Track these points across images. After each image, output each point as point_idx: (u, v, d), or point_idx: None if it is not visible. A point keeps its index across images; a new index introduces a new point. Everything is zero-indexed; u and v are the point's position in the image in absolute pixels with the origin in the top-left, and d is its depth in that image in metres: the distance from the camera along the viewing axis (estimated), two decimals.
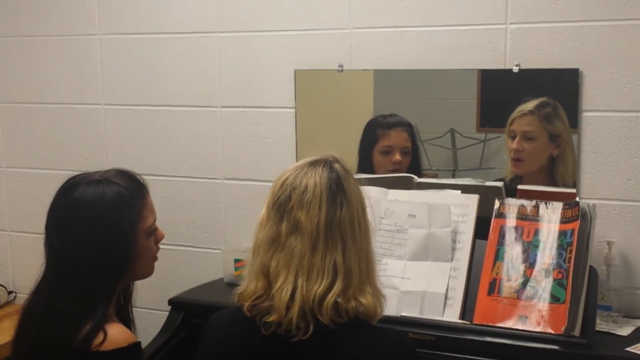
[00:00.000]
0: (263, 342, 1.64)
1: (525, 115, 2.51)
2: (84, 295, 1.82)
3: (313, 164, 1.70)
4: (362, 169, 2.72)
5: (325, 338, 1.61)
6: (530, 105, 2.51)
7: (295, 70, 2.82)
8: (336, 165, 1.70)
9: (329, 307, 1.60)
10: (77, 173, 1.96)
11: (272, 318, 1.62)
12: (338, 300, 1.62)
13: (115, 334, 1.81)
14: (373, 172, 2.71)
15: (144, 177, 1.99)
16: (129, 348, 1.82)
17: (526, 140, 2.53)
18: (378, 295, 1.70)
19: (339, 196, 1.66)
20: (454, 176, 2.69)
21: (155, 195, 2.00)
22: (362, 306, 1.64)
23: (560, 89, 2.48)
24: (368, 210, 1.74)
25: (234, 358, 1.69)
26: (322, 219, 1.63)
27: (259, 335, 1.64)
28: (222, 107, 2.96)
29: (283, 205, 1.67)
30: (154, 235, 1.97)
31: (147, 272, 1.99)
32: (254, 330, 1.64)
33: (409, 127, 2.73)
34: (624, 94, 2.40)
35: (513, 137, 2.55)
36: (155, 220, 1.97)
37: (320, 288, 1.61)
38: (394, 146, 2.73)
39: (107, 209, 1.85)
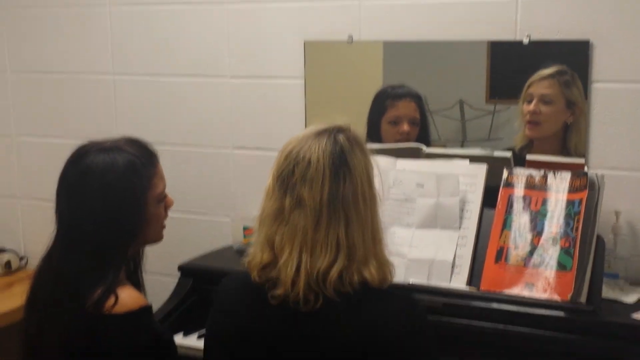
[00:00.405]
0: (272, 310, 1.65)
1: (545, 79, 2.52)
2: (95, 260, 1.83)
3: (317, 135, 1.69)
4: (370, 139, 2.72)
5: (333, 307, 1.61)
6: (549, 70, 2.50)
7: (304, 42, 2.83)
8: (340, 137, 1.68)
9: (333, 281, 1.61)
10: (87, 142, 1.97)
11: (279, 291, 1.63)
12: (342, 274, 1.62)
13: (127, 297, 1.83)
14: (381, 142, 2.71)
15: (155, 145, 2.01)
16: (140, 311, 1.83)
17: (544, 104, 2.53)
18: (384, 266, 1.69)
19: (342, 171, 1.65)
20: (462, 147, 2.69)
21: (165, 164, 2.02)
22: (366, 279, 1.64)
23: (570, 60, 2.47)
24: (376, 180, 1.73)
25: (245, 324, 1.70)
26: (325, 195, 1.63)
27: (267, 304, 1.65)
28: (231, 77, 2.97)
29: (287, 179, 1.66)
30: (164, 202, 1.99)
31: (157, 238, 2.01)
32: (263, 298, 1.66)
33: (417, 98, 2.73)
34: (634, 65, 2.40)
35: (529, 101, 2.55)
36: (165, 188, 1.98)
37: (324, 264, 1.61)
38: (402, 117, 2.73)
39: (118, 176, 1.86)
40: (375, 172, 1.74)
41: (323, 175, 1.63)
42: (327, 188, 1.63)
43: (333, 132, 1.69)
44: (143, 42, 3.09)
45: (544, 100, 2.52)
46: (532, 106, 2.53)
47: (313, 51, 2.82)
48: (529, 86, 2.54)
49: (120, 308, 1.80)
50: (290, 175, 1.66)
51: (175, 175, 2.99)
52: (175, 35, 3.03)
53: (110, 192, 1.85)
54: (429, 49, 2.67)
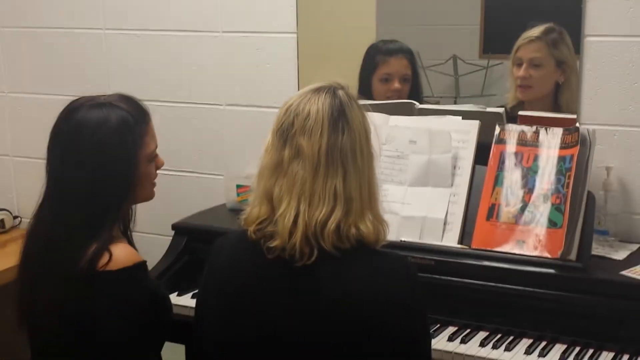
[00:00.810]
0: (268, 265, 1.66)
1: (533, 42, 2.49)
2: (87, 217, 1.83)
3: (317, 90, 1.70)
4: (362, 95, 2.70)
5: (328, 262, 1.63)
6: (536, 31, 2.48)
7: None
8: (340, 92, 1.70)
9: (331, 233, 1.62)
10: (80, 97, 1.96)
11: (275, 243, 1.64)
12: (340, 226, 1.63)
13: (121, 254, 1.83)
14: (373, 99, 2.70)
15: (146, 102, 1.99)
16: (134, 267, 1.84)
17: (533, 67, 2.51)
18: (380, 222, 1.71)
19: (341, 123, 1.66)
20: (455, 103, 2.69)
21: (157, 121, 2.01)
22: (362, 233, 1.66)
23: (563, 14, 2.45)
24: (372, 137, 1.75)
25: (239, 280, 1.71)
26: (324, 145, 1.64)
27: (263, 259, 1.66)
28: (223, 32, 2.95)
29: (286, 131, 1.67)
30: (154, 161, 1.98)
31: (148, 196, 2.00)
32: (259, 253, 1.67)
33: (409, 54, 2.71)
34: (627, 19, 2.37)
35: (519, 65, 2.53)
36: (156, 147, 1.98)
37: (322, 214, 1.62)
38: (393, 74, 2.71)
39: (111, 132, 1.85)
40: (372, 130, 1.75)
41: (322, 126, 1.65)
42: (325, 138, 1.64)
43: (332, 88, 1.71)
44: None
45: (533, 63, 2.51)
46: (522, 71, 2.51)
47: (305, 5, 2.80)
48: (517, 49, 2.52)
49: (114, 265, 1.80)
50: (289, 127, 1.67)
51: (167, 133, 2.98)
52: None
53: (103, 148, 1.84)
54: (423, 2, 2.65)
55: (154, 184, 2.01)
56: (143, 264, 1.89)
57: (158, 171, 2.02)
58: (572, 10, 2.42)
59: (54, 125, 1.91)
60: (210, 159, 3.05)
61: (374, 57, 2.73)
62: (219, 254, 1.78)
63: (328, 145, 1.64)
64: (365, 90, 2.73)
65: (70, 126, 1.87)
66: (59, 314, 1.82)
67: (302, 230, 1.62)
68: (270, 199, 1.67)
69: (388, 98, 2.68)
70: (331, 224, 1.62)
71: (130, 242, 2.04)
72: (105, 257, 1.80)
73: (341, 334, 1.62)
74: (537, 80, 2.52)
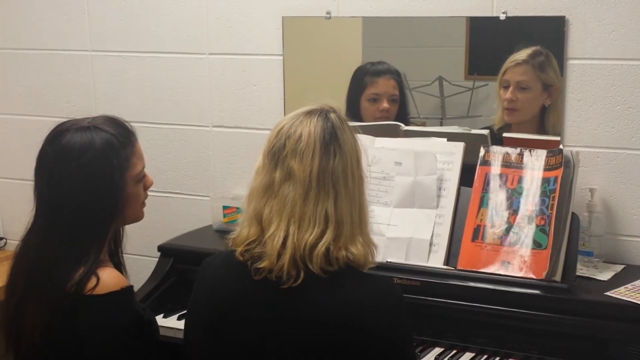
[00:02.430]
0: (254, 286, 1.66)
1: (520, 65, 2.52)
2: (75, 241, 1.83)
3: (309, 113, 1.71)
4: (349, 116, 2.71)
5: (315, 285, 1.63)
6: (523, 54, 2.51)
7: (283, 17, 2.81)
8: (332, 115, 1.70)
9: (320, 256, 1.62)
10: (65, 120, 1.96)
11: (263, 264, 1.64)
12: (329, 249, 1.64)
13: (108, 278, 1.83)
14: (360, 120, 2.72)
15: (133, 124, 2.00)
16: (121, 292, 1.84)
17: (520, 90, 2.53)
18: (369, 245, 1.71)
19: (333, 146, 1.67)
20: (441, 124, 2.71)
21: (144, 143, 2.01)
22: (353, 255, 1.66)
23: (546, 37, 2.48)
24: (362, 160, 1.76)
25: (226, 301, 1.71)
26: (315, 168, 1.64)
27: (250, 280, 1.66)
28: (209, 54, 2.96)
29: (277, 153, 1.68)
30: (143, 181, 1.98)
31: (137, 217, 2.00)
32: (246, 274, 1.67)
33: (396, 75, 2.73)
34: (609, 42, 2.41)
35: (506, 87, 2.55)
36: (143, 167, 1.98)
37: (312, 237, 1.63)
38: (381, 94, 2.74)
39: (96, 156, 1.85)
40: (363, 153, 1.77)
41: (314, 149, 1.65)
42: (317, 161, 1.65)
43: (324, 112, 1.71)
44: (121, 18, 3.06)
45: (520, 86, 2.53)
46: (509, 94, 2.54)
47: (292, 27, 2.81)
48: (504, 72, 2.54)
49: (101, 289, 1.80)
50: (281, 149, 1.67)
51: (154, 155, 3.00)
52: (153, 11, 3.01)
53: (89, 172, 1.84)
54: (408, 24, 2.67)
55: (143, 205, 2.01)
56: (130, 288, 1.89)
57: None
58: (555, 33, 2.45)
59: (40, 149, 1.91)
60: (197, 180, 3.05)
61: (362, 78, 2.76)
62: (205, 275, 1.78)
63: (319, 168, 1.65)
64: (353, 111, 2.75)
65: (56, 150, 1.87)
66: (44, 336, 1.82)
67: (291, 253, 1.62)
68: (260, 220, 1.67)
69: (377, 118, 2.70)
70: (321, 247, 1.63)
71: (121, 263, 2.05)
72: (93, 281, 1.80)
73: (327, 356, 1.62)
74: (524, 103, 2.54)
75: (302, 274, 1.62)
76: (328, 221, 1.64)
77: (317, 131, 1.67)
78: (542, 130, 2.53)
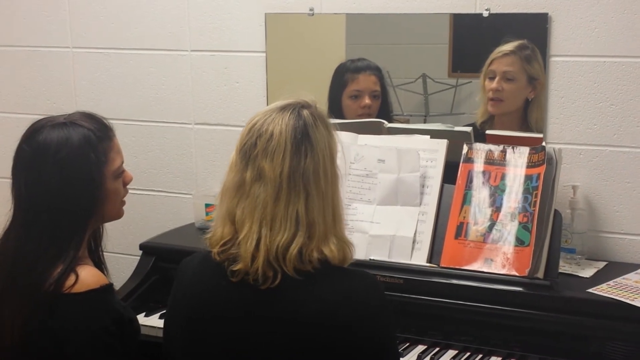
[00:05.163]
0: (233, 287, 1.65)
1: (507, 56, 2.52)
2: (53, 238, 1.82)
3: (282, 109, 1.69)
4: (332, 114, 2.71)
5: (293, 285, 1.62)
6: (510, 46, 2.51)
7: (265, 14, 2.80)
8: (305, 112, 1.68)
9: (293, 258, 1.61)
10: (41, 117, 1.94)
11: (239, 266, 1.63)
12: (302, 251, 1.62)
13: (87, 276, 1.82)
14: (343, 117, 2.72)
15: (114, 121, 1.98)
16: (101, 290, 1.83)
17: (506, 81, 2.54)
18: (344, 245, 1.69)
19: (304, 146, 1.65)
20: (425, 121, 2.71)
21: (126, 140, 2.01)
22: (326, 257, 1.65)
23: (529, 34, 2.48)
24: (339, 156, 1.73)
25: (205, 302, 1.70)
26: (286, 169, 1.63)
27: (227, 281, 1.65)
28: (191, 50, 2.94)
29: (249, 152, 1.66)
30: (122, 177, 1.97)
31: (116, 214, 1.99)
32: (223, 275, 1.65)
33: (377, 71, 2.73)
34: (592, 39, 2.41)
35: (492, 78, 2.55)
36: (122, 163, 1.96)
37: (283, 239, 1.61)
38: (362, 90, 2.73)
39: (73, 151, 1.84)
40: (339, 149, 1.74)
41: (284, 149, 1.63)
42: (287, 162, 1.63)
43: (297, 107, 1.69)
44: (102, 14, 3.04)
45: (506, 77, 2.53)
46: (494, 84, 2.54)
47: (274, 24, 2.80)
48: (490, 62, 2.54)
49: (80, 287, 1.79)
50: (252, 148, 1.66)
51: (136, 152, 2.98)
52: (134, 8, 2.99)
53: (66, 168, 1.83)
54: (392, 21, 2.67)
55: (123, 202, 2.00)
56: (109, 286, 1.87)
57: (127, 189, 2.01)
58: (538, 30, 2.45)
59: (17, 147, 1.90)
60: (179, 178, 3.03)
61: (342, 75, 2.75)
62: (184, 274, 1.76)
63: (290, 168, 1.63)
64: (335, 108, 2.74)
65: (33, 148, 1.86)
66: (23, 336, 1.80)
67: (264, 255, 1.61)
68: (233, 221, 1.66)
69: (359, 115, 2.70)
70: (293, 249, 1.61)
71: (102, 262, 2.03)
72: (72, 279, 1.79)
73: (308, 355, 1.61)
74: (509, 94, 2.54)
75: (279, 275, 1.61)
76: (299, 223, 1.62)
77: (288, 130, 1.64)
78: (524, 124, 2.53)
